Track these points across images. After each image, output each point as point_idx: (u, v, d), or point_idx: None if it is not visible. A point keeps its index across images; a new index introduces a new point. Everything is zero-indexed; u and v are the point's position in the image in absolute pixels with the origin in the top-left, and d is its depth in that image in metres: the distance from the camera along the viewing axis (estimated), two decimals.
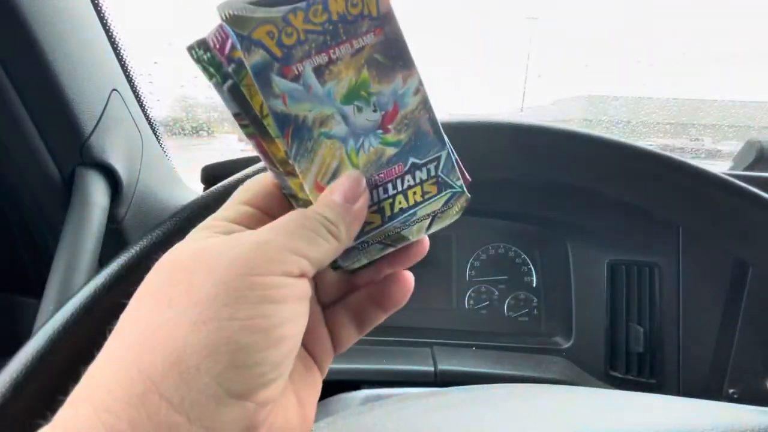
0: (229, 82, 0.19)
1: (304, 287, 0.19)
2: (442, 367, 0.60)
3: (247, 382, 0.17)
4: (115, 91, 0.52)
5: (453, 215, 0.23)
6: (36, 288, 0.58)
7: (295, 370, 0.22)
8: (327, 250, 0.20)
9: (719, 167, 0.83)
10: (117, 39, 0.54)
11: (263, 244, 0.18)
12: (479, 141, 0.46)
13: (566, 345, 0.68)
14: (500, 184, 0.65)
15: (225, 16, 0.18)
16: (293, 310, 0.19)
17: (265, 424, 0.18)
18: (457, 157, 0.23)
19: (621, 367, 0.65)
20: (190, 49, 0.19)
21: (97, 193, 0.47)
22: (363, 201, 0.21)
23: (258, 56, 0.18)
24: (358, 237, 0.22)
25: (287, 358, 0.18)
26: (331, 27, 0.19)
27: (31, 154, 0.46)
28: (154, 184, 0.58)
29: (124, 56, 0.56)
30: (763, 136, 0.75)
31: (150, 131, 0.61)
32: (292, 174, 0.21)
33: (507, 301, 0.75)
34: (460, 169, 0.23)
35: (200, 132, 1.00)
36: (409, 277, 0.25)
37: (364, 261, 0.23)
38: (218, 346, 0.16)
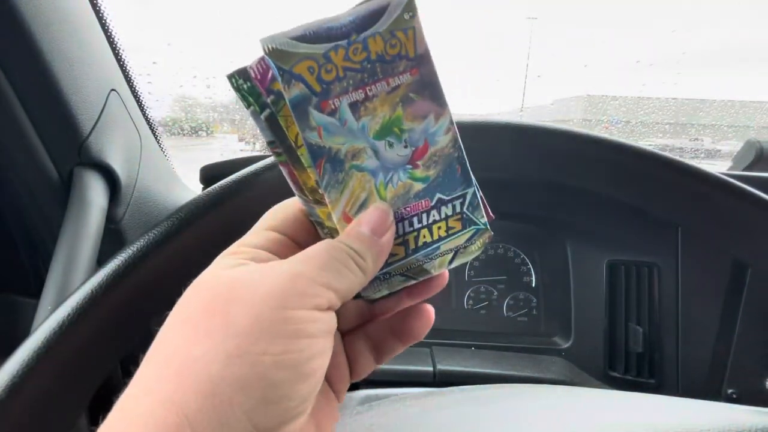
0: (267, 111, 0.20)
1: (332, 321, 0.20)
2: (441, 367, 0.60)
3: (276, 417, 0.17)
4: (113, 91, 0.52)
5: (475, 251, 0.24)
6: (34, 288, 0.57)
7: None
8: (353, 282, 0.20)
9: (719, 167, 0.83)
10: (116, 39, 0.54)
11: (296, 276, 0.18)
12: (479, 141, 0.46)
13: (565, 345, 0.68)
14: (500, 184, 0.65)
15: (268, 49, 0.18)
16: (322, 345, 0.19)
17: None
18: (482, 194, 0.23)
19: (620, 367, 0.65)
20: (231, 77, 0.20)
21: (95, 193, 0.47)
22: (390, 234, 0.21)
23: (297, 90, 0.19)
24: (381, 268, 0.22)
25: (314, 392, 0.19)
26: (369, 65, 0.20)
27: (30, 154, 0.46)
28: (152, 184, 0.58)
29: (122, 56, 0.56)
30: (763, 136, 0.75)
31: (149, 131, 0.61)
32: (320, 203, 0.22)
33: (506, 301, 0.75)
34: (484, 206, 0.24)
35: (199, 132, 1.00)
36: (430, 311, 0.25)
37: (385, 291, 0.23)
38: (251, 381, 0.16)
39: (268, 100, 0.20)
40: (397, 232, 0.22)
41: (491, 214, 0.24)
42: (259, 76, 0.19)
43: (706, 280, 0.61)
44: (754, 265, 0.55)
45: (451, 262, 0.24)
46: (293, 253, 0.21)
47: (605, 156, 0.48)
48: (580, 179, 0.51)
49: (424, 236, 0.23)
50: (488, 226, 0.24)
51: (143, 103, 0.60)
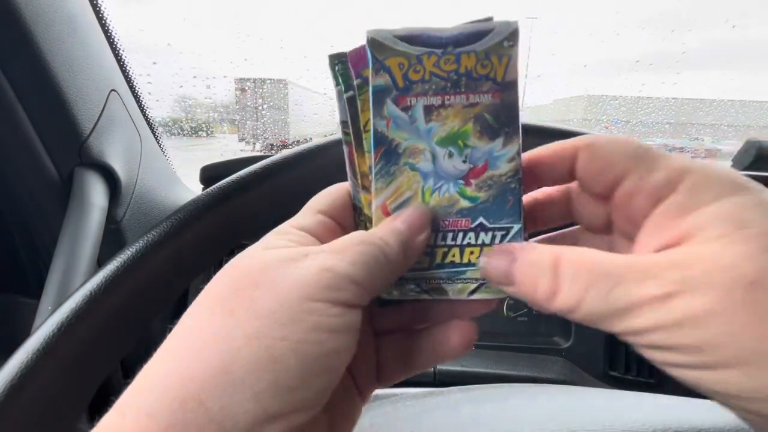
0: (350, 93, 0.22)
1: (357, 319, 0.19)
2: (441, 366, 0.59)
3: (286, 405, 0.17)
4: (113, 92, 0.52)
5: (500, 292, 0.22)
6: (34, 288, 0.58)
7: (334, 394, 0.22)
8: (383, 277, 0.20)
9: None
10: (116, 39, 0.54)
11: (326, 270, 0.18)
12: None
13: (565, 345, 0.68)
14: None
15: (369, 39, 0.20)
16: (343, 342, 0.19)
17: None
18: (527, 237, 0.23)
19: (620, 366, 0.65)
20: (331, 57, 0.22)
21: (95, 193, 0.47)
22: (424, 237, 0.21)
23: (382, 80, 0.21)
24: None
25: (329, 388, 0.18)
26: (455, 77, 0.21)
27: (30, 155, 0.46)
28: (152, 184, 0.58)
29: (122, 56, 0.56)
30: (763, 136, 0.75)
31: (149, 131, 0.61)
32: (366, 189, 0.22)
33: (506, 301, 0.75)
34: None
35: (199, 132, 1.00)
36: (472, 329, 0.24)
37: (395, 295, 0.23)
38: (266, 363, 0.16)
39: (355, 83, 0.21)
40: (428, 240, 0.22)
41: None
42: (354, 61, 0.21)
43: None
44: None
45: (472, 292, 0.23)
46: (338, 237, 0.21)
47: None
48: None
49: (453, 255, 0.22)
50: None
51: (143, 103, 0.60)
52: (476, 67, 0.20)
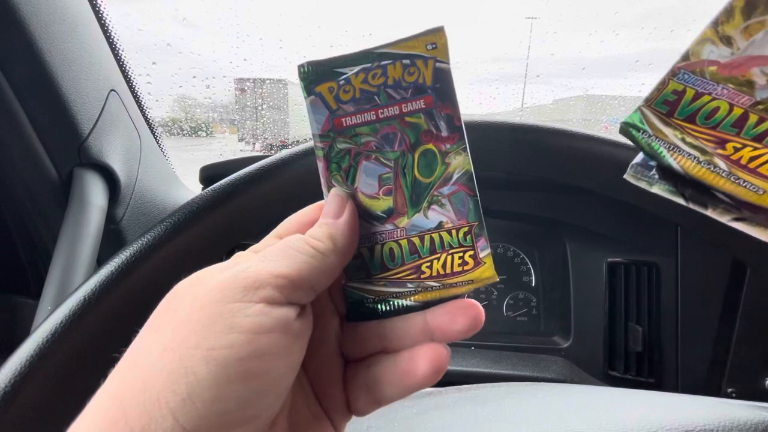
0: (312, 97, 0.22)
1: (286, 316, 0.18)
2: None
3: (204, 421, 0.15)
4: (113, 92, 0.52)
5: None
6: (34, 288, 0.57)
7: (302, 420, 0.21)
8: (309, 264, 0.19)
9: None
10: (115, 39, 0.54)
11: (244, 270, 0.18)
12: (479, 141, 0.46)
13: (565, 344, 0.68)
14: (500, 184, 0.65)
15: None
16: (267, 343, 0.17)
17: None
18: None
19: (620, 366, 0.65)
20: (300, 67, 0.22)
21: (95, 193, 0.47)
22: (348, 215, 0.21)
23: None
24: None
25: (260, 400, 0.17)
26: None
27: (30, 155, 0.46)
28: (152, 184, 0.58)
29: (122, 56, 0.56)
30: None
31: (148, 132, 0.61)
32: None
33: (506, 301, 0.75)
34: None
35: (199, 132, 1.00)
36: (445, 354, 0.21)
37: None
38: (178, 376, 0.15)
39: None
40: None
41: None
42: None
43: (705, 280, 0.61)
44: (752, 265, 0.55)
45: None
46: None
47: (604, 155, 0.48)
48: (579, 179, 0.51)
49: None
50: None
51: (143, 103, 0.60)
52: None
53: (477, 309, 0.22)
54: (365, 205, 0.22)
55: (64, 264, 0.42)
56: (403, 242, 0.22)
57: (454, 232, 0.22)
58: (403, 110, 0.21)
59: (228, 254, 0.23)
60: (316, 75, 0.21)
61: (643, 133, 0.24)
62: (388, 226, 0.22)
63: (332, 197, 0.22)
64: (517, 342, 0.70)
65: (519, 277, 0.76)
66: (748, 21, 0.21)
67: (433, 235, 0.22)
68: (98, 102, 0.49)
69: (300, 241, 0.20)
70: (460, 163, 0.21)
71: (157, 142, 0.64)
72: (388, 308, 0.22)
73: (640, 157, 0.24)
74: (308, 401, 0.22)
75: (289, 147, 0.58)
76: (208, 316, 0.16)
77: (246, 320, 0.17)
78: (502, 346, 0.68)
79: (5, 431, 0.28)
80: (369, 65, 0.21)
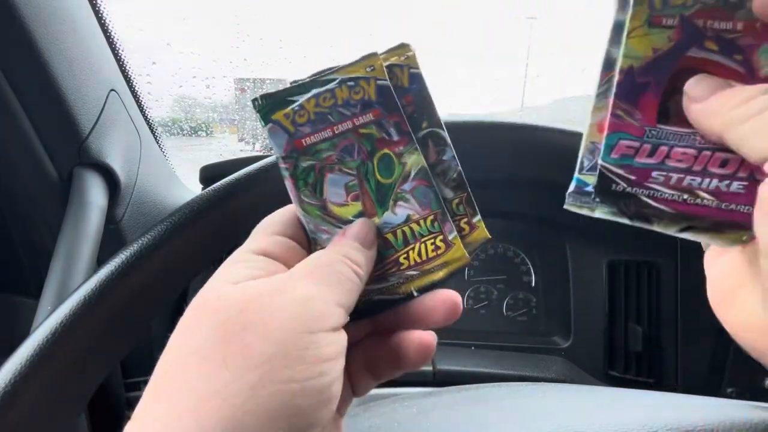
0: (269, 125, 0.24)
1: (345, 340, 0.19)
2: (440, 366, 0.59)
3: None
4: (113, 92, 0.52)
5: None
6: (34, 288, 0.57)
7: None
8: (354, 291, 0.21)
9: None
10: (115, 39, 0.54)
11: (311, 299, 0.18)
12: (478, 141, 0.46)
13: (565, 344, 0.68)
14: (499, 184, 0.65)
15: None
16: (339, 366, 0.19)
17: None
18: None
19: (620, 366, 0.65)
20: (254, 102, 0.24)
21: (95, 193, 0.47)
22: (375, 247, 0.23)
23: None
24: None
25: (332, 415, 0.19)
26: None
27: (29, 155, 0.46)
28: (152, 184, 0.58)
29: (122, 56, 0.56)
30: None
31: (148, 131, 0.61)
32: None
33: (506, 301, 0.75)
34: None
35: (199, 132, 1.00)
36: (431, 339, 0.24)
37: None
38: (278, 411, 0.16)
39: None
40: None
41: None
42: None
43: (705, 280, 0.61)
44: None
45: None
46: (300, 256, 0.21)
47: None
48: None
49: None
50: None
51: (143, 103, 0.60)
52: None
53: (454, 298, 0.24)
54: (337, 213, 0.24)
55: (64, 263, 0.42)
56: (378, 240, 0.24)
57: (422, 221, 0.24)
58: (356, 123, 0.23)
59: (228, 254, 0.23)
60: (270, 105, 0.23)
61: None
62: None
63: (367, 226, 0.23)
64: (517, 342, 0.70)
65: (519, 277, 0.76)
66: None
67: (404, 228, 0.24)
68: (98, 102, 0.49)
69: (345, 266, 0.21)
70: (415, 161, 0.24)
71: (157, 142, 0.64)
72: (376, 306, 0.24)
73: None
74: None
75: None
76: (293, 348, 0.17)
77: (327, 349, 0.18)
78: (502, 346, 0.68)
79: (8, 429, 0.28)
80: (318, 90, 0.23)
